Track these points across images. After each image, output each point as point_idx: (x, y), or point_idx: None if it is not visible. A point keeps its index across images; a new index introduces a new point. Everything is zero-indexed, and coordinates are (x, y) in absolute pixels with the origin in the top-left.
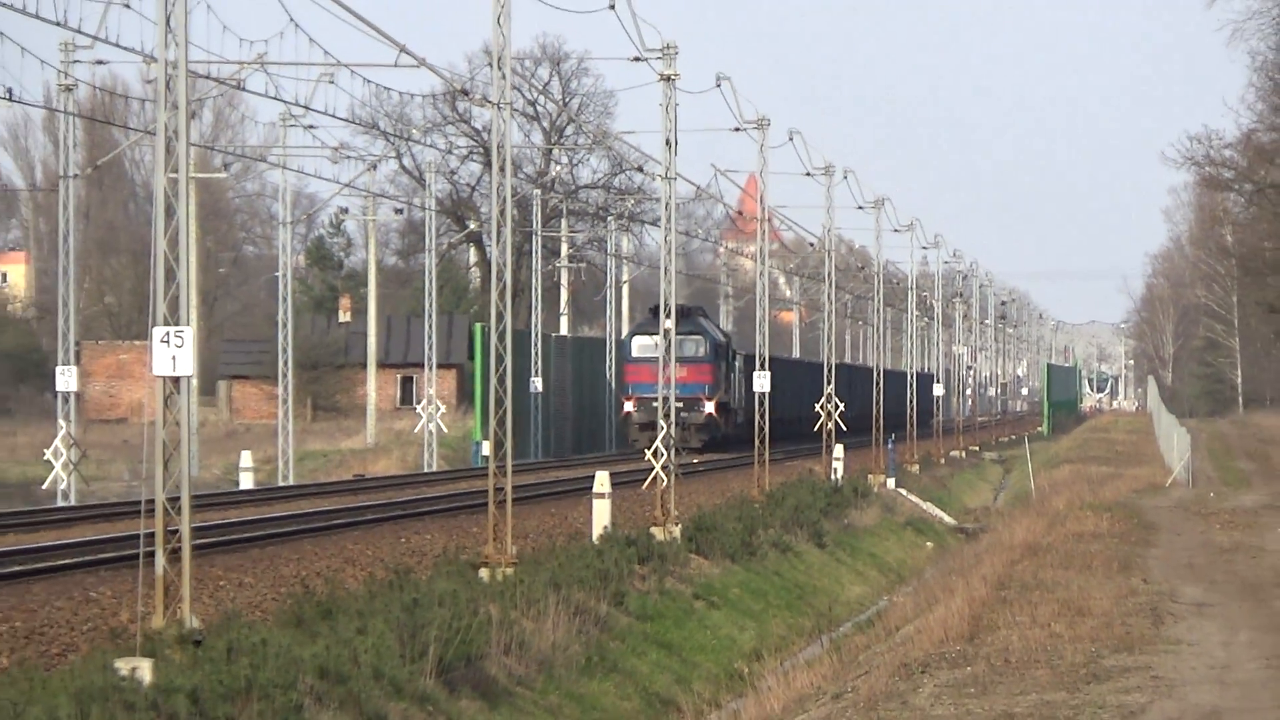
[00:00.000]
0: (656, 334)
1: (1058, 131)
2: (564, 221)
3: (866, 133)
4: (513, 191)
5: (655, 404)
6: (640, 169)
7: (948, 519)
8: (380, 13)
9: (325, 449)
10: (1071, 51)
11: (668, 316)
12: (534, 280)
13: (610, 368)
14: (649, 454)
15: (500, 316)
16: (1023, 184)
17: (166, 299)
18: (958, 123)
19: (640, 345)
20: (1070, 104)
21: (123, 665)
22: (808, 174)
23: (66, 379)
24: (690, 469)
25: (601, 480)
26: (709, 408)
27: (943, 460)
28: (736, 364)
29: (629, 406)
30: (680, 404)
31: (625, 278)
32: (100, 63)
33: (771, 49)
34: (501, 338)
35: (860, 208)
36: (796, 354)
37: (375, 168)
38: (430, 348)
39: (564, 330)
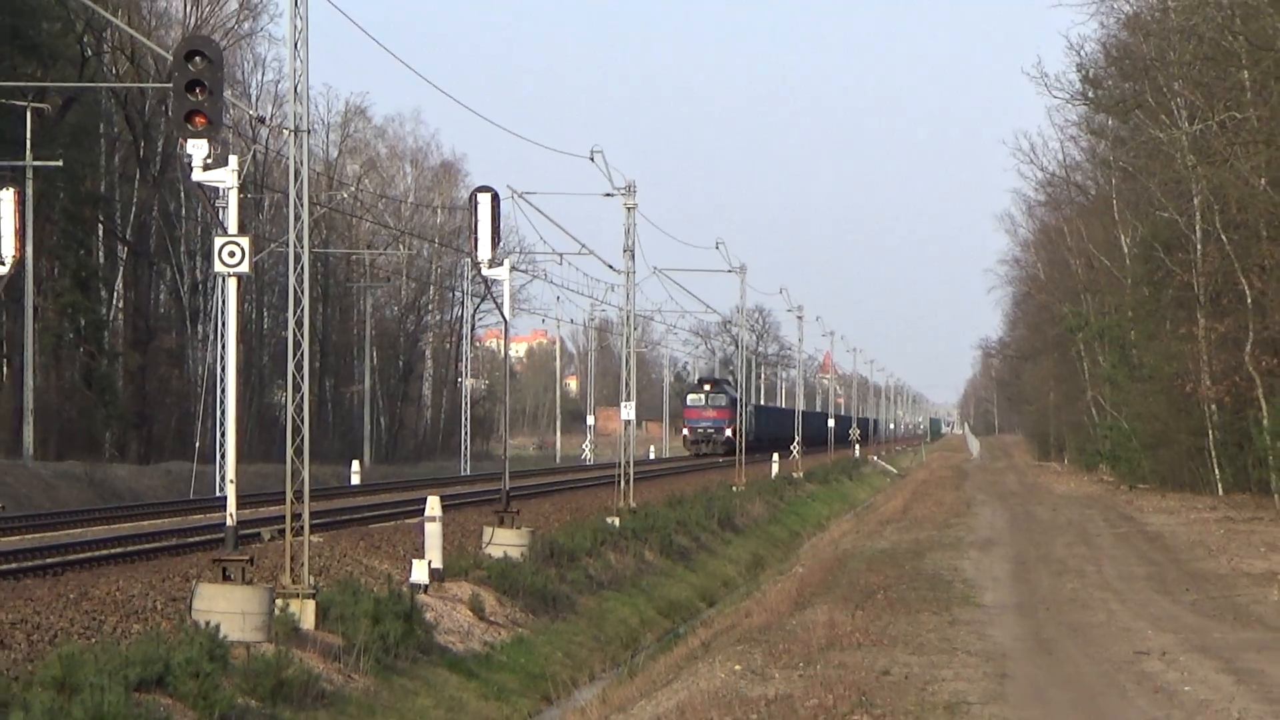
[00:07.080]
0: (700, 393)
1: (937, 321)
2: (762, 367)
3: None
4: (746, 355)
5: (699, 430)
6: (789, 348)
7: (894, 470)
8: (694, 285)
9: (678, 445)
10: (945, 273)
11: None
12: (751, 384)
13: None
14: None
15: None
16: (924, 337)
17: (625, 392)
18: (899, 288)
19: (691, 399)
20: (936, 322)
21: (608, 520)
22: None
23: (590, 420)
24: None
25: (775, 457)
26: (727, 433)
27: (892, 450)
28: (748, 410)
29: (685, 431)
30: (712, 430)
31: (784, 388)
32: (603, 310)
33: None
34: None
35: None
36: (841, 413)
37: (698, 346)
38: None
39: None
